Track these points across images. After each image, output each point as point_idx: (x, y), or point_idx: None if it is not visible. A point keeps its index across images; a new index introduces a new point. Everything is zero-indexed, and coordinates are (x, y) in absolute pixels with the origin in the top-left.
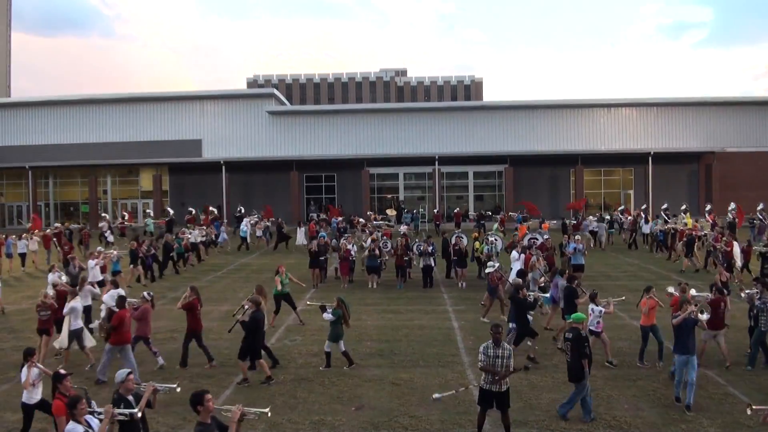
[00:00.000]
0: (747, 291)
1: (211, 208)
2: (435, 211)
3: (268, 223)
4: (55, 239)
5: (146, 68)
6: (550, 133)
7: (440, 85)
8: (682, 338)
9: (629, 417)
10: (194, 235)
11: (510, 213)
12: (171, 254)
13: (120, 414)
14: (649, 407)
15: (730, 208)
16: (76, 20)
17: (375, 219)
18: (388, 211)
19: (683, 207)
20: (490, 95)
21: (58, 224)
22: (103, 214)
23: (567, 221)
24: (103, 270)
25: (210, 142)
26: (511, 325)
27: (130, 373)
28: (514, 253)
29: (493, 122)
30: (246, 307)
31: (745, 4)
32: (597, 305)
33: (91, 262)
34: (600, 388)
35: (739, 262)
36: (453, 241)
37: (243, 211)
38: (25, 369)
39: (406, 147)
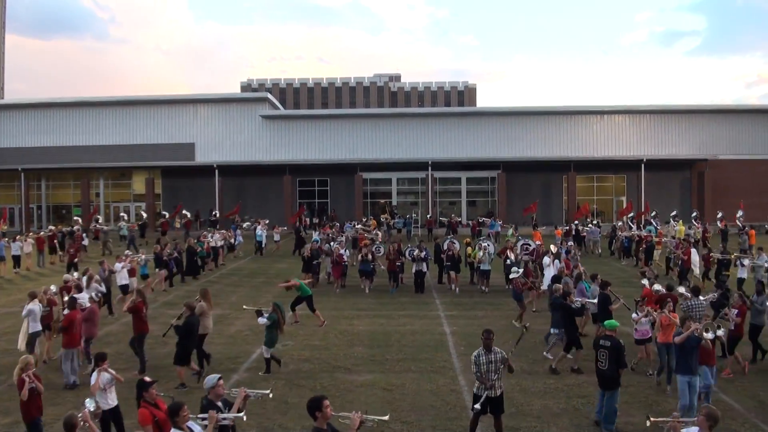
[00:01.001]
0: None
1: (184, 212)
2: (428, 216)
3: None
4: (66, 242)
5: (140, 71)
6: (543, 139)
7: (434, 90)
8: (684, 357)
9: (620, 423)
10: (215, 239)
11: (482, 219)
12: (195, 258)
13: (224, 419)
14: (641, 414)
15: (718, 216)
16: (70, 23)
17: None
18: (382, 216)
19: (673, 213)
20: (483, 101)
21: (52, 227)
22: (75, 218)
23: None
24: (131, 274)
25: (203, 145)
26: (553, 330)
27: (220, 378)
28: (546, 259)
29: (487, 128)
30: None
31: (737, 14)
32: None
33: (118, 266)
34: (591, 394)
35: (696, 270)
36: (445, 247)
37: (217, 215)
38: (95, 373)
39: (400, 152)
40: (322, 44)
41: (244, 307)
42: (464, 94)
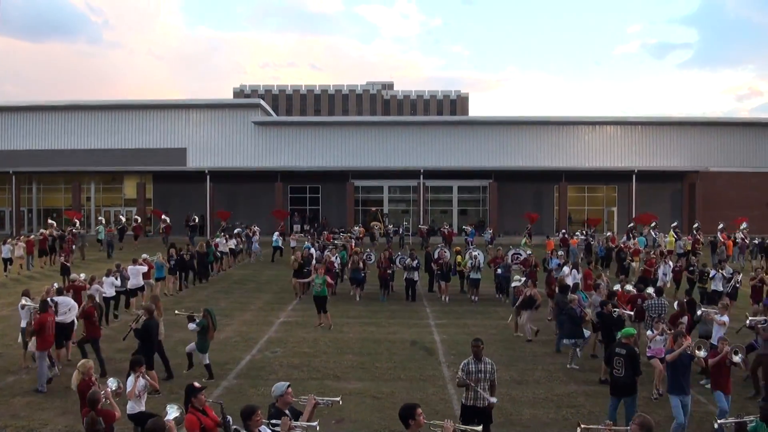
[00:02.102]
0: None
1: (163, 217)
2: (420, 226)
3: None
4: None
5: (132, 76)
6: (535, 149)
7: (426, 99)
8: (676, 376)
9: None
10: (223, 244)
11: (463, 227)
12: (206, 261)
13: (299, 427)
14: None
15: (719, 227)
16: (63, 26)
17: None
18: (374, 224)
19: (674, 224)
20: (475, 110)
21: (43, 230)
22: (50, 221)
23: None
24: (146, 276)
25: (195, 151)
26: (567, 341)
27: (289, 386)
28: (566, 269)
29: (479, 137)
30: (141, 316)
31: (729, 27)
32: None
33: (135, 268)
34: (581, 404)
35: (660, 282)
36: (436, 255)
37: (197, 220)
38: (131, 378)
39: (392, 160)
40: (314, 51)
41: (176, 312)
42: (456, 103)
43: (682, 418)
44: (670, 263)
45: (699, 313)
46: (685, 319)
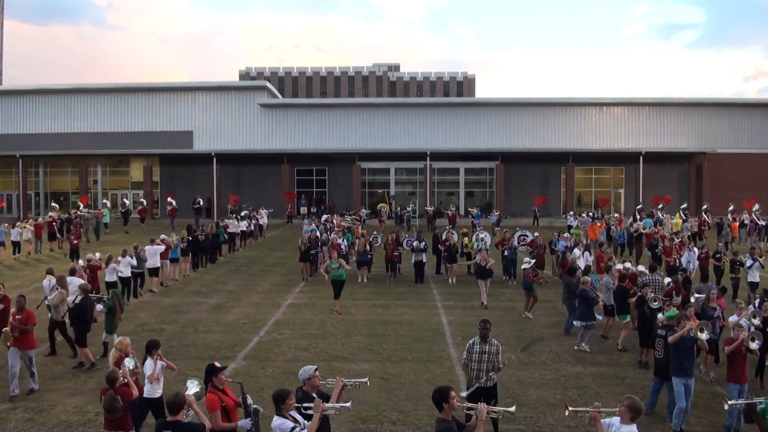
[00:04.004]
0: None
1: (169, 199)
2: (427, 209)
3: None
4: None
5: (137, 58)
6: (542, 130)
7: (433, 81)
8: (679, 359)
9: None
10: (234, 225)
11: (469, 209)
12: (215, 243)
13: (331, 408)
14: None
15: (730, 209)
16: (68, 9)
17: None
18: (381, 206)
19: (683, 206)
20: (482, 92)
21: (52, 213)
22: (53, 204)
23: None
24: (163, 256)
25: (201, 133)
26: (578, 323)
27: (316, 369)
28: (576, 251)
29: (485, 119)
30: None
31: (735, 7)
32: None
33: (153, 248)
34: (588, 385)
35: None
36: (443, 237)
37: (201, 202)
38: (149, 362)
39: (398, 142)
40: (320, 33)
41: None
42: (463, 85)
43: (683, 402)
44: (695, 250)
45: (692, 300)
46: (678, 299)
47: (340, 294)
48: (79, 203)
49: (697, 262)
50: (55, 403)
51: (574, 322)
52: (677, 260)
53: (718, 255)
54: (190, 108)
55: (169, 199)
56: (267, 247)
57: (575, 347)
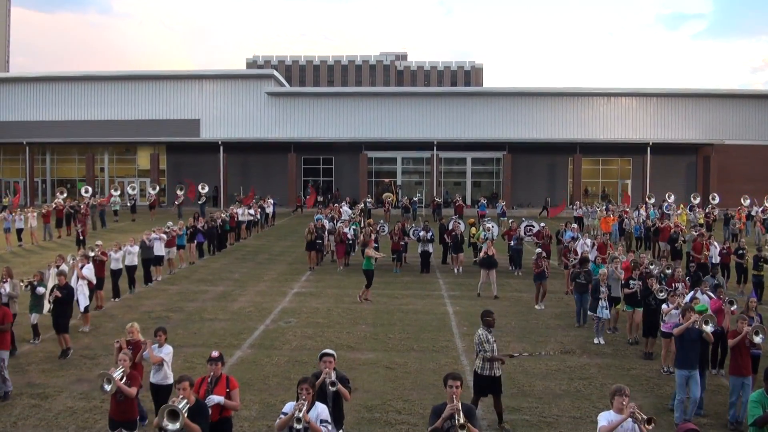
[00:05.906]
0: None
1: (179, 192)
2: (436, 199)
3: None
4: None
5: (144, 46)
6: (549, 120)
7: (440, 70)
8: (684, 350)
9: None
10: (239, 213)
11: (476, 199)
12: (222, 232)
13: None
14: (642, 396)
15: (746, 203)
16: None
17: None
18: (386, 195)
19: (696, 200)
20: (489, 81)
21: (59, 200)
22: (58, 193)
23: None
24: (168, 244)
25: (208, 121)
26: (590, 313)
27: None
28: (588, 241)
29: (493, 109)
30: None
31: None
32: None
33: (157, 235)
34: (593, 376)
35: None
36: (450, 227)
37: (207, 189)
38: (155, 346)
39: (405, 131)
40: (327, 22)
41: (21, 280)
42: (471, 74)
43: (683, 394)
44: (716, 245)
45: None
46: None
47: (371, 283)
48: (87, 187)
49: (718, 258)
50: (60, 389)
51: (588, 313)
52: (707, 257)
53: (741, 251)
54: (197, 96)
55: (179, 192)
56: (273, 236)
57: (594, 341)
